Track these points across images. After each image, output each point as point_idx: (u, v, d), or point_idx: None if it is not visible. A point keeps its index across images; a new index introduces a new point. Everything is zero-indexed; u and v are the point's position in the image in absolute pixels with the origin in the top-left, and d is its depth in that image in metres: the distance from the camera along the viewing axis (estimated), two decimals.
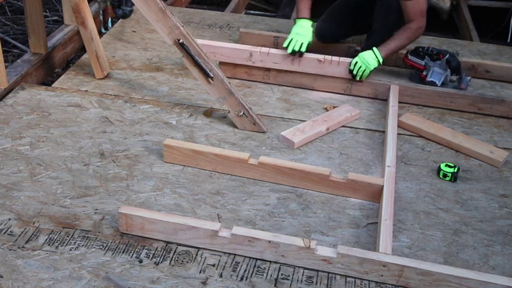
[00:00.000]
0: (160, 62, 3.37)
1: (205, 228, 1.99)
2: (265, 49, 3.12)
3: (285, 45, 3.09)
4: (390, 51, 3.07)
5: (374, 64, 3.01)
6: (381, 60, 3.03)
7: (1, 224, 2.08)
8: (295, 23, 3.16)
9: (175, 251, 2.02)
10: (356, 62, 3.02)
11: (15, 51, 4.05)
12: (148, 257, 1.99)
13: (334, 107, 2.98)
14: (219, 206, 2.27)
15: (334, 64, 3.07)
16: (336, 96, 3.13)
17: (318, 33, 3.32)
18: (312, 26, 3.15)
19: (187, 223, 2.01)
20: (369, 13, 3.23)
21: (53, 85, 3.08)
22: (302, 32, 3.08)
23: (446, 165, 2.52)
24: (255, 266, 1.99)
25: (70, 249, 1.99)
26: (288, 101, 3.06)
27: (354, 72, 3.03)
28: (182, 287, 1.88)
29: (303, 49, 3.05)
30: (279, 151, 2.63)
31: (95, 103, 2.88)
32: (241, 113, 2.71)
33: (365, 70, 3.01)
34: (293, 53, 3.05)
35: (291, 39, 3.07)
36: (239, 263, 1.99)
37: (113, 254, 1.99)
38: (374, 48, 3.03)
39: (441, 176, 2.51)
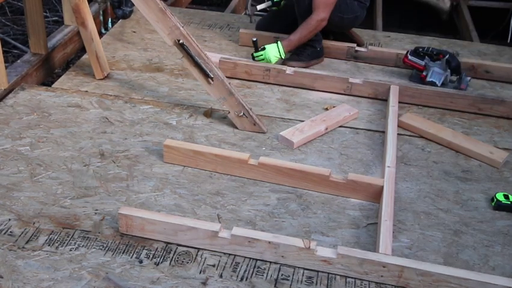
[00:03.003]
0: (160, 62, 3.37)
1: (205, 229, 1.99)
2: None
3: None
4: (292, 45, 3.27)
5: (274, 60, 3.25)
6: (283, 56, 3.26)
7: (1, 224, 2.08)
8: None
9: (175, 252, 2.02)
10: (262, 54, 3.25)
11: (16, 51, 4.05)
12: (148, 258, 1.99)
13: (334, 107, 2.98)
14: (219, 206, 2.27)
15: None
16: (336, 96, 3.13)
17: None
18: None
19: (187, 224, 2.01)
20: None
21: (53, 85, 3.08)
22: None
23: (504, 195, 2.37)
24: (255, 266, 1.99)
25: (70, 250, 1.99)
26: (288, 102, 3.06)
27: (257, 59, 3.27)
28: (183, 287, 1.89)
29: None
30: (279, 151, 2.63)
31: (95, 103, 2.88)
32: (241, 114, 2.71)
33: (265, 60, 3.26)
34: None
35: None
36: (239, 263, 1.99)
37: (113, 254, 1.99)
38: (279, 42, 3.26)
39: (494, 204, 2.36)
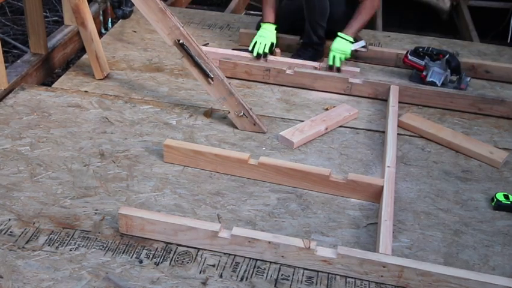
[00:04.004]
0: (160, 62, 3.37)
1: (204, 229, 1.99)
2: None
3: (250, 48, 3.37)
4: (355, 30, 3.31)
5: (349, 47, 3.25)
6: (352, 40, 3.26)
7: (1, 224, 2.08)
8: (259, 27, 3.44)
9: (175, 252, 2.02)
10: (334, 56, 3.24)
11: (16, 51, 4.06)
12: (148, 258, 1.99)
13: (334, 107, 2.98)
14: (219, 206, 2.27)
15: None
16: (336, 96, 3.13)
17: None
18: (276, 29, 3.42)
19: (187, 224, 2.01)
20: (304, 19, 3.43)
21: (53, 85, 3.08)
22: (266, 34, 3.36)
23: (504, 195, 2.38)
24: (255, 266, 1.99)
25: (70, 250, 1.99)
26: (288, 102, 3.06)
27: (337, 65, 3.25)
28: None
29: (267, 50, 3.33)
30: (279, 151, 2.63)
31: (95, 103, 2.88)
32: (241, 114, 2.71)
33: (344, 57, 3.26)
34: (258, 56, 3.32)
35: (255, 42, 3.34)
36: (239, 263, 1.99)
37: (113, 254, 1.99)
38: (340, 34, 3.26)
39: (494, 204, 2.36)
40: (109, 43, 3.55)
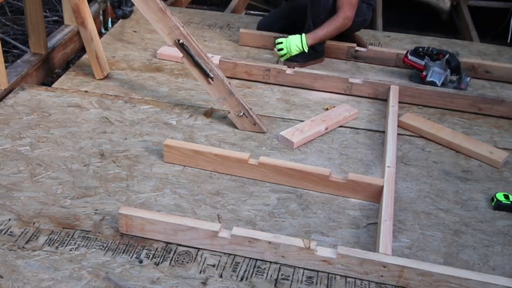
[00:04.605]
0: (160, 62, 3.37)
1: (205, 228, 1.99)
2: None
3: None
4: (317, 39, 3.30)
5: (295, 52, 3.29)
6: (305, 49, 3.28)
7: (1, 224, 2.08)
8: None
9: (175, 251, 2.02)
10: (281, 43, 3.28)
11: (16, 51, 4.06)
12: (148, 258, 1.99)
13: (334, 107, 2.98)
14: (219, 206, 2.27)
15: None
16: (336, 96, 3.13)
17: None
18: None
19: (187, 224, 2.01)
20: (305, 16, 3.42)
21: (53, 85, 3.08)
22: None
23: (504, 195, 2.38)
24: (255, 266, 1.99)
25: (70, 250, 1.99)
26: (288, 102, 3.06)
27: (277, 47, 3.32)
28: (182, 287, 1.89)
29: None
30: (279, 151, 2.63)
31: (95, 103, 2.88)
32: (241, 114, 2.71)
33: (285, 54, 3.30)
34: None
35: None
36: (239, 263, 1.99)
37: (113, 254, 1.99)
38: (303, 35, 3.27)
39: (494, 204, 2.36)
40: (109, 43, 3.55)
